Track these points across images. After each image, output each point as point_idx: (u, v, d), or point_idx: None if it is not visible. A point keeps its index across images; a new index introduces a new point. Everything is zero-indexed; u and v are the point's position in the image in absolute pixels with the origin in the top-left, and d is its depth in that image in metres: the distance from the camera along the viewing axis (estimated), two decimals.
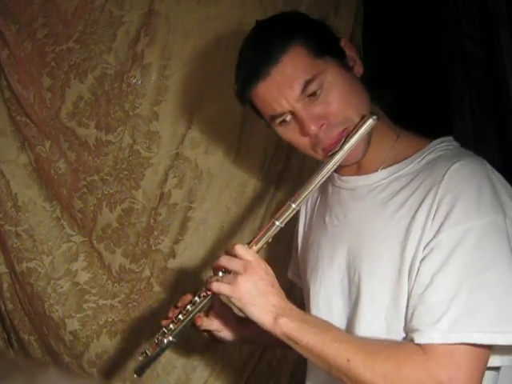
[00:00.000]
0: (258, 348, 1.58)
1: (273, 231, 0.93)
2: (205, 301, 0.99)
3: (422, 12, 1.54)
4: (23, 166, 1.60)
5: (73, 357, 1.62)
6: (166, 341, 1.00)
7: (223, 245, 1.53)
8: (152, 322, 1.54)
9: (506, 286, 0.79)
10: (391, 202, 0.92)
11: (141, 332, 1.56)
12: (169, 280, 1.56)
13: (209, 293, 0.97)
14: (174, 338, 1.01)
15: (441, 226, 0.83)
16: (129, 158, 1.52)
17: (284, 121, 0.93)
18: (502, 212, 0.82)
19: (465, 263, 0.80)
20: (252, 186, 1.54)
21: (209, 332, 1.13)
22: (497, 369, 0.87)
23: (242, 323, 1.13)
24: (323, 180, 0.93)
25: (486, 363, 0.81)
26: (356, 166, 0.99)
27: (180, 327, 1.00)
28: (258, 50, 0.92)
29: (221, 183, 1.53)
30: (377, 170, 0.97)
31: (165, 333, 1.01)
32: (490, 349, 0.81)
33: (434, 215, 0.84)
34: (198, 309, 1.00)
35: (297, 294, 1.23)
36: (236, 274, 0.90)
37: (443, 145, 0.94)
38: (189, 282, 1.52)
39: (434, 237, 0.83)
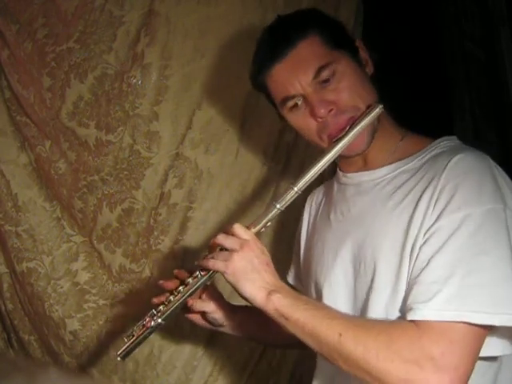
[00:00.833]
0: (257, 348, 1.58)
1: (273, 214, 0.95)
2: (198, 283, 0.97)
3: (422, 12, 1.54)
4: (23, 166, 1.60)
5: (73, 357, 1.62)
6: (153, 323, 0.98)
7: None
8: None
9: (501, 271, 0.80)
10: (395, 195, 0.94)
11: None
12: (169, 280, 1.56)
13: (202, 273, 0.97)
14: (163, 320, 0.99)
15: (441, 212, 0.84)
16: (129, 158, 1.52)
17: (295, 105, 0.96)
18: (503, 202, 0.84)
19: (462, 247, 0.81)
20: (252, 186, 1.54)
21: (200, 313, 1.13)
22: (497, 360, 0.87)
23: (233, 310, 1.14)
24: (326, 165, 0.95)
25: (481, 345, 0.81)
26: (361, 163, 1.03)
27: (171, 309, 0.99)
28: (276, 36, 0.97)
29: (221, 183, 1.53)
30: (381, 167, 0.99)
31: (154, 314, 0.99)
32: (486, 331, 0.81)
33: (436, 202, 0.86)
34: (190, 291, 0.98)
35: None
36: (232, 251, 0.91)
37: (446, 142, 0.97)
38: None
39: (435, 222, 0.85)
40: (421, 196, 0.88)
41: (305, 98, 0.95)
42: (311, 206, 1.19)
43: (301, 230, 1.19)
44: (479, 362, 0.81)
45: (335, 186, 1.09)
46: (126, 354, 1.01)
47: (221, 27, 1.44)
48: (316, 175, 0.95)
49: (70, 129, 1.53)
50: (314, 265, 1.07)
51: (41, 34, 1.51)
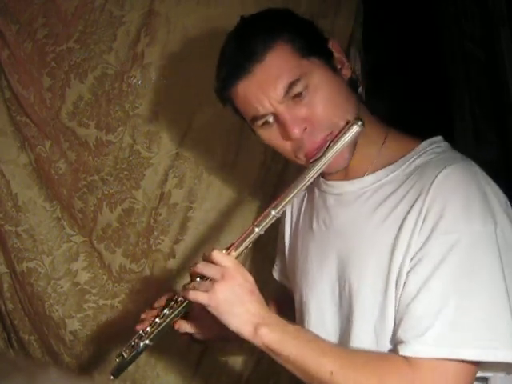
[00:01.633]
0: (257, 348, 1.57)
1: (252, 237, 0.89)
2: (182, 305, 0.96)
3: (421, 12, 1.53)
4: (23, 166, 1.60)
5: (73, 357, 1.62)
6: (142, 344, 0.97)
7: (223, 245, 1.53)
8: None
9: (494, 301, 0.77)
10: (379, 210, 0.89)
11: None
12: (169, 280, 1.56)
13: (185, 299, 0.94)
14: (150, 341, 0.98)
15: (428, 237, 0.80)
16: (129, 158, 1.52)
17: (266, 122, 0.89)
18: (492, 221, 0.80)
19: (451, 276, 0.78)
20: (252, 185, 1.54)
21: (189, 334, 1.10)
22: (485, 379, 0.85)
23: (221, 324, 1.11)
24: (305, 187, 0.89)
25: (474, 378, 0.79)
26: (342, 171, 0.95)
27: (157, 331, 0.97)
28: (240, 46, 0.87)
29: (221, 183, 1.53)
30: (363, 175, 0.93)
31: (141, 336, 0.98)
32: (479, 364, 0.79)
33: (422, 225, 0.81)
34: (175, 313, 0.97)
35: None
36: (213, 280, 0.86)
37: (432, 147, 0.91)
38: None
39: (421, 248, 0.81)
40: (406, 215, 0.83)
41: (275, 115, 0.87)
42: (293, 204, 1.13)
43: (284, 226, 1.15)
44: None
45: (316, 191, 1.03)
46: (118, 373, 1.02)
47: (221, 27, 1.43)
48: (295, 197, 0.90)
49: (69, 129, 1.53)
50: (298, 273, 1.04)
51: (41, 34, 1.51)
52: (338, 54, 0.92)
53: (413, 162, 0.89)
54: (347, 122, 0.87)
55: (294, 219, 1.12)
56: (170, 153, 1.51)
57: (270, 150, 1.55)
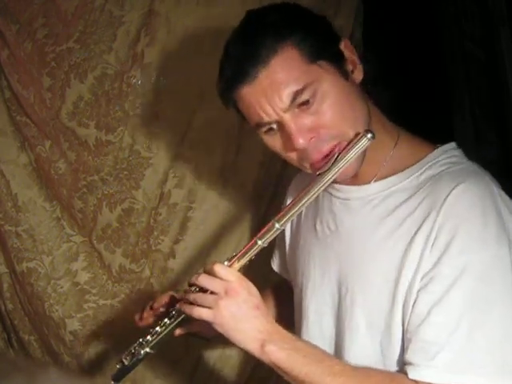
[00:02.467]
0: None
1: (255, 250, 0.87)
2: (182, 316, 0.94)
3: (422, 12, 1.53)
4: (23, 166, 1.60)
5: (73, 357, 1.62)
6: (142, 352, 0.97)
7: (223, 245, 1.53)
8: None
9: (507, 329, 0.75)
10: (387, 220, 0.86)
11: (141, 332, 1.56)
12: (169, 280, 1.56)
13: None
14: (151, 349, 0.97)
15: (441, 256, 0.77)
16: (129, 158, 1.52)
17: (271, 129, 0.85)
18: (508, 243, 0.77)
19: (465, 298, 0.76)
20: (252, 185, 1.53)
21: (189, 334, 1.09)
22: None
23: None
24: (311, 200, 0.86)
25: None
26: None
27: (157, 340, 0.97)
28: (245, 48, 0.82)
29: (221, 183, 1.53)
30: (372, 180, 0.90)
31: (142, 344, 0.97)
32: None
33: (434, 242, 0.78)
34: (175, 324, 0.96)
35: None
36: (217, 296, 0.83)
37: (445, 156, 0.87)
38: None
39: (434, 267, 0.78)
40: (417, 231, 0.80)
41: (280, 123, 0.83)
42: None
43: None
44: None
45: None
46: (119, 379, 1.02)
47: (221, 27, 1.43)
48: (300, 210, 0.87)
49: (69, 129, 1.53)
50: (299, 272, 1.02)
51: (41, 34, 1.51)
52: (350, 55, 0.87)
53: (424, 171, 0.86)
54: (357, 134, 0.83)
55: (296, 218, 1.09)
56: (170, 153, 1.51)
57: (270, 150, 1.55)
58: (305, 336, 0.99)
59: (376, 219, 0.87)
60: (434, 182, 0.83)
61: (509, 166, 1.34)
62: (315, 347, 0.88)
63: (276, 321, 0.86)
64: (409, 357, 0.80)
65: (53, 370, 0.80)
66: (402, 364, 0.83)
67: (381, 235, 0.86)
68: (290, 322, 1.04)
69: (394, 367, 0.85)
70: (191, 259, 1.55)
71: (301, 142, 0.82)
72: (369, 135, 0.81)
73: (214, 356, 1.59)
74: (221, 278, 0.84)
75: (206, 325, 0.99)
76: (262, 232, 0.87)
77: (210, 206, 1.53)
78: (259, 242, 0.87)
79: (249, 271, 0.92)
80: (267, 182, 1.54)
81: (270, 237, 0.87)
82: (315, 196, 0.86)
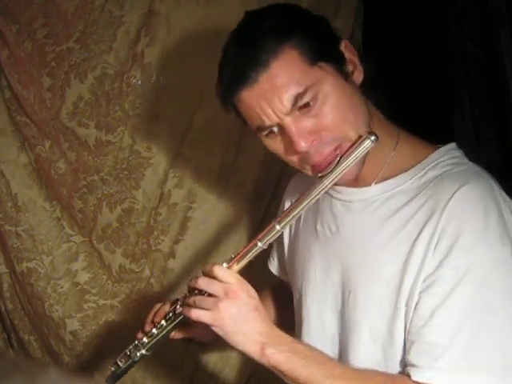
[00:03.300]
0: None
1: (254, 252, 0.86)
2: (179, 318, 0.93)
3: (421, 12, 1.53)
4: (23, 166, 1.60)
5: (73, 357, 1.62)
6: (138, 354, 0.96)
7: (223, 245, 1.53)
8: None
9: (510, 330, 0.75)
10: (389, 222, 0.85)
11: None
12: (169, 280, 1.56)
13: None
14: (146, 351, 0.96)
15: (444, 258, 0.77)
16: (129, 158, 1.52)
17: (271, 132, 0.85)
18: (510, 244, 0.77)
19: (468, 301, 0.76)
20: (252, 185, 1.53)
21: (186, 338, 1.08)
22: None
23: None
24: (312, 203, 0.86)
25: None
26: None
27: (153, 342, 0.96)
28: (244, 51, 0.81)
29: (221, 183, 1.52)
30: (373, 182, 0.89)
31: (138, 345, 0.96)
32: None
33: (436, 245, 0.78)
34: (171, 326, 0.95)
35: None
36: (216, 298, 0.83)
37: (447, 157, 0.87)
38: None
39: (436, 269, 0.78)
40: (419, 232, 0.80)
41: (281, 126, 0.82)
42: (293, 197, 1.08)
43: None
44: None
45: None
46: (113, 382, 1.01)
47: (221, 27, 1.43)
48: (301, 213, 0.87)
49: (69, 129, 1.53)
50: (299, 274, 1.02)
51: (41, 34, 1.51)
52: (350, 56, 0.86)
53: (426, 173, 0.85)
54: (360, 136, 0.82)
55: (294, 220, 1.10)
56: (170, 153, 1.51)
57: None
58: (306, 339, 0.98)
59: (378, 221, 0.87)
60: (437, 183, 0.83)
61: (509, 166, 1.34)
62: (315, 350, 0.87)
63: (275, 324, 0.86)
64: (411, 358, 0.80)
65: (53, 369, 0.80)
66: (404, 367, 0.82)
67: (383, 237, 0.86)
68: (290, 326, 1.03)
69: (395, 370, 0.85)
70: (191, 259, 1.55)
71: (302, 144, 0.81)
72: (372, 137, 0.81)
73: (214, 356, 1.59)
74: (220, 280, 0.84)
75: (204, 330, 0.99)
76: (263, 234, 0.87)
77: (210, 206, 1.53)
78: (259, 244, 0.86)
79: (248, 273, 0.91)
80: (267, 182, 1.54)
81: (270, 239, 0.86)
82: (317, 198, 0.86)
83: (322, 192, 0.85)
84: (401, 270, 0.82)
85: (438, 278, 0.78)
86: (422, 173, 0.86)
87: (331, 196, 0.96)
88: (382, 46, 1.57)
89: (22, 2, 1.51)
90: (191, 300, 0.87)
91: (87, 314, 1.60)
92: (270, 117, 0.82)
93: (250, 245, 0.87)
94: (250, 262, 0.89)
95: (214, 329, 0.84)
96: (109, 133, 1.51)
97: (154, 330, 0.95)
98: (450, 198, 0.79)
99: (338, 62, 0.84)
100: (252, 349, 0.82)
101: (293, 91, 0.79)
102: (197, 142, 1.50)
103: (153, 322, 1.01)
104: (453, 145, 0.90)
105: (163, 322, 0.95)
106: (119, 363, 0.98)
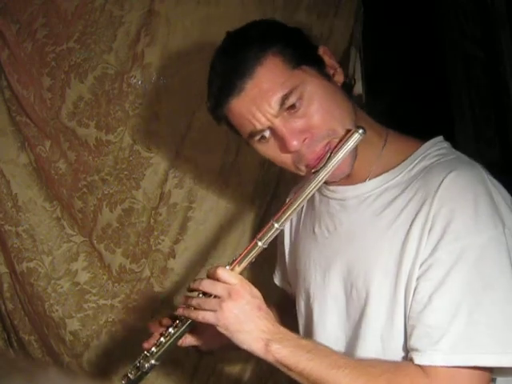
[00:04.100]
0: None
1: (255, 251, 0.88)
2: (186, 324, 0.94)
3: (421, 12, 1.53)
4: (23, 166, 1.60)
5: (73, 357, 1.62)
6: (147, 365, 0.96)
7: (223, 245, 1.53)
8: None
9: (508, 305, 0.77)
10: (384, 214, 0.88)
11: (141, 332, 1.56)
12: (169, 280, 1.56)
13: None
14: (156, 361, 0.97)
15: (438, 243, 0.80)
16: (129, 158, 1.52)
17: (263, 137, 0.88)
18: (501, 224, 0.80)
19: (464, 282, 0.78)
20: (252, 185, 1.54)
21: (194, 346, 1.08)
22: (493, 381, 0.85)
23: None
24: (308, 198, 0.88)
25: (487, 382, 0.79)
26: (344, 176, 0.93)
27: (162, 350, 0.96)
28: (230, 63, 0.86)
29: (221, 183, 1.53)
30: (365, 179, 0.92)
31: (147, 356, 0.97)
32: (492, 369, 0.79)
33: (430, 230, 0.81)
34: (179, 332, 0.95)
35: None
36: (219, 298, 0.85)
37: (435, 149, 0.90)
38: (189, 282, 1.52)
39: (431, 254, 0.80)
40: (413, 220, 0.83)
41: (272, 129, 0.86)
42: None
43: (283, 232, 1.13)
44: None
45: (317, 195, 1.01)
46: None
47: (221, 27, 1.43)
48: (298, 209, 0.89)
49: (69, 129, 1.53)
50: (300, 279, 1.03)
51: (41, 34, 1.51)
52: (329, 60, 0.91)
53: (416, 165, 0.88)
54: (348, 131, 0.86)
55: (294, 223, 1.11)
56: (170, 153, 1.51)
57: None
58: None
59: (373, 214, 0.90)
60: (426, 172, 0.86)
61: (509, 166, 1.34)
62: (319, 343, 0.89)
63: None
64: (413, 343, 0.81)
65: (53, 369, 0.80)
66: (402, 357, 0.84)
67: (378, 229, 0.88)
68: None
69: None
70: (191, 259, 1.55)
71: (294, 143, 0.85)
72: (360, 131, 0.85)
73: (214, 356, 1.59)
74: (223, 282, 0.86)
75: (210, 337, 1.02)
76: (262, 233, 0.88)
77: (210, 206, 1.53)
78: (259, 244, 0.88)
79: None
80: (267, 182, 1.54)
81: (269, 237, 0.88)
82: (312, 193, 0.88)
83: (317, 186, 0.87)
84: (398, 258, 0.84)
85: (433, 262, 0.80)
86: (412, 166, 0.89)
87: (328, 197, 0.99)
88: (382, 46, 1.57)
89: (22, 2, 1.51)
90: (195, 302, 0.88)
91: (87, 314, 1.60)
92: (260, 121, 0.85)
93: (251, 245, 0.89)
94: (254, 266, 0.89)
95: (219, 329, 0.85)
96: (109, 133, 1.51)
97: (162, 339, 0.96)
98: (440, 184, 0.82)
99: (318, 65, 0.89)
100: (256, 346, 0.84)
101: (279, 93, 0.84)
102: (197, 142, 1.50)
103: (162, 325, 1.02)
104: (440, 138, 0.93)
105: (171, 329, 0.96)
106: (129, 375, 0.99)
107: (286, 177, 1.56)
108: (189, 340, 1.05)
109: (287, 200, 1.16)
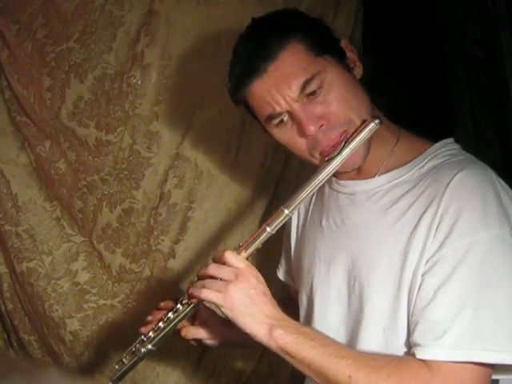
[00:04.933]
0: (257, 348, 1.58)
1: (263, 237, 0.88)
2: (188, 309, 0.93)
3: (422, 12, 1.54)
4: (23, 166, 1.60)
5: (73, 357, 1.62)
6: (143, 350, 0.94)
7: (223, 245, 1.53)
8: None
9: (511, 305, 0.77)
10: (392, 210, 0.89)
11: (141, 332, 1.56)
12: (169, 280, 1.56)
13: (193, 300, 0.91)
14: (153, 346, 0.95)
15: (445, 239, 0.80)
16: (129, 158, 1.52)
17: (281, 121, 0.89)
18: (509, 225, 0.80)
19: (469, 278, 0.78)
20: (252, 185, 1.54)
21: (196, 340, 1.08)
22: (495, 381, 0.85)
23: (229, 326, 1.01)
24: (319, 186, 0.89)
25: (490, 381, 0.80)
26: (354, 171, 0.95)
27: (160, 336, 0.94)
28: (254, 46, 0.88)
29: (221, 183, 1.53)
30: (375, 175, 0.94)
31: (143, 341, 0.95)
32: (494, 366, 0.79)
33: (437, 227, 0.81)
34: (180, 317, 0.93)
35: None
36: (226, 281, 0.85)
37: (445, 149, 0.91)
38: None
39: (438, 250, 0.80)
40: (421, 217, 0.84)
41: (291, 113, 0.88)
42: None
43: (290, 226, 1.14)
44: None
45: (327, 189, 1.02)
46: (118, 380, 0.99)
47: (221, 27, 1.44)
48: (308, 196, 0.89)
49: (69, 129, 1.53)
50: (304, 271, 1.04)
51: (41, 34, 1.51)
52: (350, 53, 0.93)
53: (426, 163, 0.90)
54: (363, 121, 0.88)
55: (302, 217, 1.11)
56: (170, 153, 1.51)
57: (270, 150, 1.56)
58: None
59: (380, 210, 0.90)
60: (436, 171, 0.87)
61: (509, 166, 1.34)
62: (321, 333, 0.89)
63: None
64: (416, 338, 0.81)
65: (53, 369, 0.80)
66: (404, 352, 0.84)
67: (386, 224, 0.89)
68: None
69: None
70: (191, 259, 1.55)
71: (311, 128, 0.86)
72: (376, 121, 0.86)
73: (215, 355, 1.59)
74: (230, 265, 0.86)
75: (212, 331, 1.03)
76: (271, 219, 0.88)
77: (210, 206, 1.53)
78: (268, 229, 0.88)
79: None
80: (267, 182, 1.54)
81: (279, 223, 0.88)
82: (324, 181, 0.89)
83: (330, 174, 0.88)
84: (404, 254, 0.84)
85: (440, 259, 0.80)
86: (422, 164, 0.90)
87: (337, 191, 1.00)
88: (382, 46, 1.57)
89: (22, 2, 1.52)
90: (200, 283, 0.87)
91: (87, 314, 1.60)
92: (280, 104, 0.87)
93: (259, 230, 0.89)
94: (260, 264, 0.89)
95: (222, 309, 0.85)
96: (109, 133, 1.51)
97: (161, 324, 0.95)
98: (449, 182, 0.83)
99: (339, 56, 0.91)
100: (260, 330, 0.83)
101: (301, 78, 0.85)
102: (197, 141, 1.50)
103: (160, 309, 1.01)
104: (451, 139, 0.95)
105: (170, 314, 0.94)
106: (124, 360, 0.98)
107: (286, 177, 1.56)
108: (192, 332, 1.04)
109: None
